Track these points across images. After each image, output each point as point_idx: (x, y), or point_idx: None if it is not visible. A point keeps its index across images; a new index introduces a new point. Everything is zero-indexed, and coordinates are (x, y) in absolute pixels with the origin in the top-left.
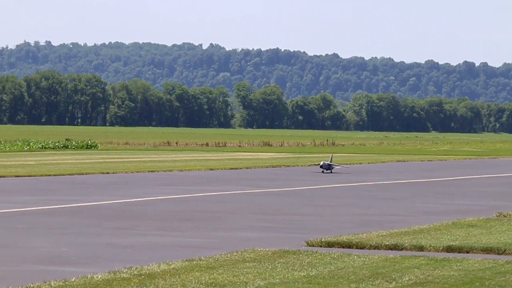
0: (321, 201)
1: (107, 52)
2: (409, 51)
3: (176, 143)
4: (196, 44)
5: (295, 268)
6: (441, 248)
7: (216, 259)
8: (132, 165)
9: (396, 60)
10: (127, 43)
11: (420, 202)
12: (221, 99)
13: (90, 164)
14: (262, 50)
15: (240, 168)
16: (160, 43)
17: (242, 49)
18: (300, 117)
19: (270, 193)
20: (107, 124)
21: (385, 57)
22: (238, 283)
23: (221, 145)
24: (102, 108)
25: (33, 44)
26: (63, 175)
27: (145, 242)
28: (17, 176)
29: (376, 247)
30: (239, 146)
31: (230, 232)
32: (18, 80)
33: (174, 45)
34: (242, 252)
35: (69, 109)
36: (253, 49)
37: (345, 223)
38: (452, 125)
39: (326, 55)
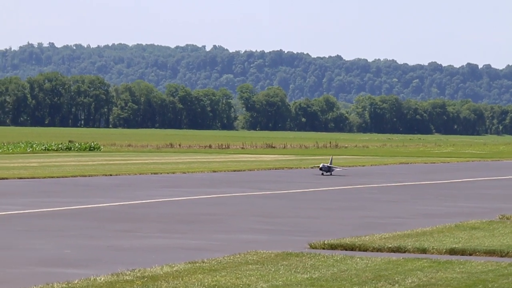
0: (324, 203)
1: (110, 53)
2: (412, 53)
3: (179, 145)
4: (199, 45)
5: (298, 271)
6: (444, 250)
7: (219, 261)
8: (135, 167)
9: (399, 62)
10: (130, 45)
11: (423, 205)
12: (224, 101)
13: (93, 166)
14: (265, 51)
15: (243, 170)
16: (163, 45)
17: (245, 51)
18: (303, 119)
19: (273, 195)
20: (110, 126)
21: (388, 59)
22: (241, 286)
23: (224, 147)
24: (105, 110)
25: (36, 46)
26: (66, 177)
27: (148, 244)
28: (20, 178)
29: (379, 250)
30: (242, 148)
31: (233, 234)
32: (21, 82)
33: (177, 47)
34: (245, 254)
35: (72, 111)
36: (256, 50)
37: (348, 226)
38: (455, 127)
39: (329, 57)
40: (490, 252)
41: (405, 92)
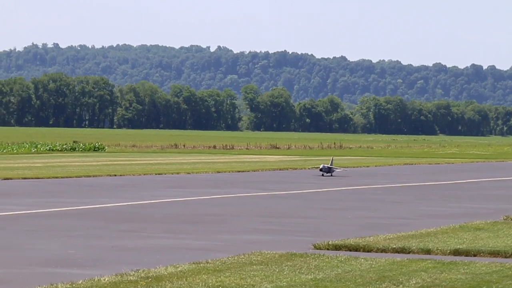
0: (328, 204)
1: (115, 54)
2: (416, 54)
3: (184, 145)
4: (204, 46)
5: (302, 271)
6: (448, 251)
7: (223, 261)
8: (140, 167)
9: (404, 63)
10: (135, 46)
11: (427, 205)
12: (228, 101)
13: (98, 166)
14: (270, 52)
15: (248, 171)
16: (167, 46)
17: (250, 52)
18: (307, 120)
19: (277, 196)
20: (115, 126)
21: (392, 60)
22: (245, 286)
23: (228, 147)
24: (110, 110)
25: (41, 46)
26: (70, 177)
27: (152, 244)
28: (25, 178)
29: (383, 250)
30: (247, 148)
31: (237, 235)
32: (26, 82)
33: (181, 48)
34: (249, 255)
35: (76, 111)
36: (260, 51)
37: (352, 226)
38: (460, 128)
39: (334, 57)
40: (495, 253)
41: (410, 93)
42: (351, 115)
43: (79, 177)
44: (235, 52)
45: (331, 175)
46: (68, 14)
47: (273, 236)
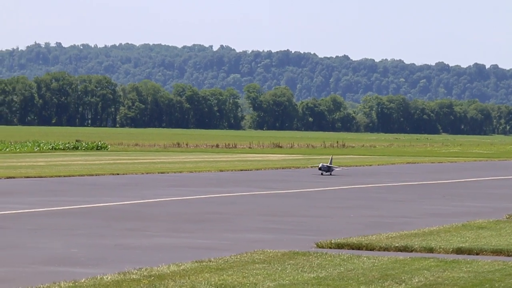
0: (331, 202)
1: (118, 53)
2: (419, 53)
3: (186, 144)
4: (206, 45)
5: (305, 270)
6: (451, 250)
7: (226, 260)
8: (142, 166)
9: (407, 62)
10: (137, 45)
11: (430, 204)
12: (231, 100)
13: (100, 165)
14: (272, 51)
15: (250, 170)
16: (170, 45)
17: (252, 51)
18: (310, 119)
19: (279, 195)
20: (117, 125)
21: (395, 59)
22: (248, 285)
23: (231, 146)
24: (112, 109)
25: (43, 46)
26: (73, 176)
27: (155, 243)
28: (27, 177)
29: (386, 249)
30: (249, 147)
31: (239, 233)
32: (29, 81)
33: (184, 47)
34: (251, 253)
35: (79, 110)
36: (263, 50)
37: (354, 225)
38: (462, 127)
39: (336, 56)
40: (497, 252)
41: (412, 92)
42: (353, 114)
43: (81, 176)
44: (237, 51)
45: (330, 174)
46: (71, 13)
47: (276, 234)
